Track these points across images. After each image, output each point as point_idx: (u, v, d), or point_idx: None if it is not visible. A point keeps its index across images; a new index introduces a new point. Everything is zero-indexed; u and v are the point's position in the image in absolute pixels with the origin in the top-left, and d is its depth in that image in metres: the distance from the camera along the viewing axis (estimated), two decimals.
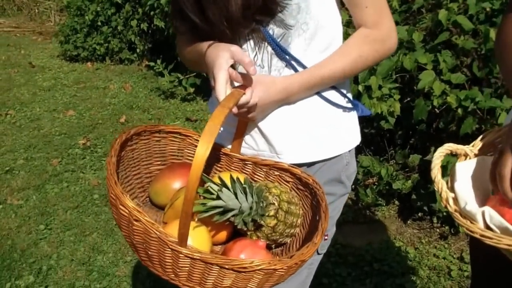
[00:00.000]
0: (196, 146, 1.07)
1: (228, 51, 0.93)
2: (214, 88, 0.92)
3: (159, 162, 1.13)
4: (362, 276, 2.30)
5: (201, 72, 4.03)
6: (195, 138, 1.12)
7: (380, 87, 2.35)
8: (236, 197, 0.87)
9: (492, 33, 2.21)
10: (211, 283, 0.81)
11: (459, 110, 2.27)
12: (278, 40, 1.01)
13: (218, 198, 0.86)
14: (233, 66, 0.97)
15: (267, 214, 0.91)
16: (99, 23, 5.52)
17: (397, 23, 2.62)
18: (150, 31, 5.22)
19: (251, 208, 0.88)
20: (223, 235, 0.97)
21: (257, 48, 1.03)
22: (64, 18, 6.99)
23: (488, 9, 2.38)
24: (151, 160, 1.12)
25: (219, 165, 1.11)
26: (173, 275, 0.84)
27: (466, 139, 2.34)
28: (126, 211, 0.82)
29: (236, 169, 1.10)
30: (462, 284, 2.22)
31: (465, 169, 0.81)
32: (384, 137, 2.79)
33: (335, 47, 1.07)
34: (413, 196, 2.56)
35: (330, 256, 2.40)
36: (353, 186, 2.80)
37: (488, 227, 0.72)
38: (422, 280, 2.25)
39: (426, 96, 2.38)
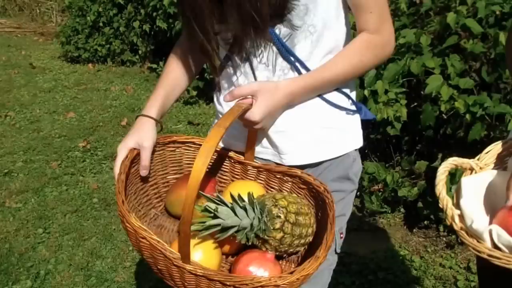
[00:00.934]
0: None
1: (141, 140, 1.03)
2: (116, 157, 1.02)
3: (175, 171, 1.15)
4: (366, 285, 2.25)
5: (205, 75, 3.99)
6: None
7: (386, 92, 2.31)
8: (236, 214, 0.88)
9: (502, 37, 2.17)
10: None
11: (467, 116, 2.23)
12: (284, 40, 1.02)
13: (216, 216, 0.88)
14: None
15: (272, 227, 0.91)
16: (101, 24, 5.48)
17: (404, 26, 2.57)
18: (152, 33, 5.19)
19: (252, 224, 0.89)
20: (234, 246, 0.99)
21: (262, 46, 1.03)
22: (65, 18, 6.96)
23: (498, 12, 2.34)
24: (167, 170, 1.14)
25: (235, 173, 1.13)
26: None
27: (475, 146, 2.30)
28: (132, 229, 0.86)
29: (251, 177, 1.11)
30: None
31: (471, 184, 0.80)
32: (390, 143, 2.74)
33: (338, 50, 1.07)
34: (419, 204, 2.51)
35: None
36: (358, 193, 2.75)
37: (496, 246, 0.70)
38: None
39: (434, 101, 2.34)
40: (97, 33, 5.59)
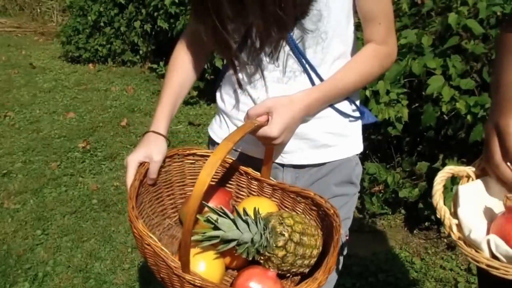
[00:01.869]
0: (227, 170, 1.15)
1: (150, 154, 1.04)
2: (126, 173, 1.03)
3: (193, 183, 1.15)
4: (367, 287, 2.23)
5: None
6: (229, 162, 1.14)
7: (388, 92, 2.30)
8: (237, 227, 0.88)
9: None
10: None
11: (469, 117, 2.21)
12: (297, 42, 1.02)
13: (217, 228, 0.88)
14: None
15: (275, 245, 0.91)
16: (102, 24, 5.47)
17: (406, 27, 2.56)
18: (153, 33, 5.17)
19: (253, 238, 0.89)
20: (239, 261, 0.98)
21: (273, 46, 1.03)
22: (66, 18, 6.96)
23: (499, 13, 2.33)
24: (185, 181, 1.16)
25: (252, 190, 1.14)
26: None
27: (476, 147, 2.27)
28: (138, 235, 0.88)
29: (267, 195, 1.11)
30: None
31: (468, 193, 0.80)
32: (391, 143, 2.72)
33: (346, 58, 1.09)
34: (420, 205, 2.49)
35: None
36: (358, 194, 2.74)
37: (494, 256, 0.70)
38: None
39: (435, 102, 2.32)
40: (98, 33, 5.58)
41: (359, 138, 1.18)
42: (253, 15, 0.96)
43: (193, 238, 0.84)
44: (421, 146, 2.68)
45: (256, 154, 1.14)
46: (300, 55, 1.03)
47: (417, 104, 2.47)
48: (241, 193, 1.15)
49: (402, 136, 2.64)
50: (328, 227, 0.99)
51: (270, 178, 1.10)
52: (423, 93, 2.36)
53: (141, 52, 5.43)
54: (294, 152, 1.11)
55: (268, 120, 0.99)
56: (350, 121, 1.14)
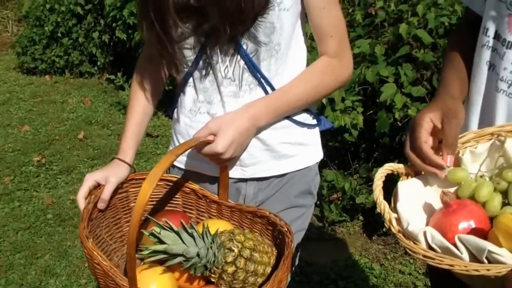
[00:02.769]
0: (186, 195, 1.15)
1: (108, 175, 1.07)
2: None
3: (151, 208, 1.16)
4: None
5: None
6: (189, 187, 1.15)
7: (343, 100, 2.35)
8: (182, 241, 0.88)
9: None
10: None
11: None
12: (251, 56, 1.04)
13: (162, 242, 0.87)
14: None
15: (224, 260, 0.92)
16: (59, 35, 5.35)
17: (360, 37, 2.63)
18: (111, 44, 5.10)
19: (199, 253, 0.88)
20: (193, 280, 0.97)
21: (228, 61, 1.05)
22: (22, 28, 6.77)
23: (446, 24, 2.44)
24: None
25: (211, 213, 1.14)
26: None
27: None
28: (88, 254, 0.89)
29: (226, 217, 1.12)
30: None
31: (407, 188, 0.83)
32: (348, 150, 2.76)
33: (300, 70, 1.10)
34: (377, 211, 2.52)
35: (295, 275, 2.33)
36: (317, 202, 2.75)
37: (431, 247, 0.73)
38: None
39: (388, 109, 2.39)
40: (55, 44, 5.45)
41: (318, 146, 1.20)
42: (211, 14, 0.97)
43: (138, 253, 0.85)
44: (377, 153, 2.73)
45: (215, 173, 1.13)
46: (254, 68, 1.05)
47: (371, 111, 2.52)
48: (202, 217, 1.16)
49: (359, 143, 2.69)
50: (282, 244, 1.00)
51: (228, 200, 1.11)
52: (377, 100, 2.41)
53: (99, 63, 5.34)
54: (255, 165, 1.12)
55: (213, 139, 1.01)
56: (308, 129, 1.16)
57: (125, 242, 1.11)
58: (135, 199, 1.12)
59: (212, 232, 0.94)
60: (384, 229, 2.60)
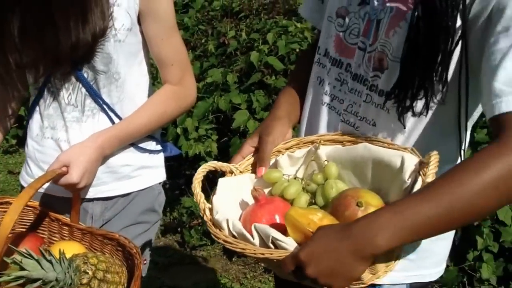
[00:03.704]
0: (38, 217, 1.17)
1: None
2: None
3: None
4: None
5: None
6: (42, 211, 1.16)
7: (197, 129, 2.41)
8: (42, 267, 0.92)
9: None
10: None
11: None
12: (91, 83, 1.09)
13: (23, 268, 0.91)
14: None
15: (80, 282, 0.96)
16: None
17: (213, 66, 2.71)
18: None
19: (57, 277, 0.93)
20: None
21: (71, 88, 1.10)
22: None
23: (297, 50, 2.59)
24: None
25: (63, 235, 1.17)
26: None
27: None
28: None
29: (77, 239, 1.15)
30: None
31: (225, 184, 0.91)
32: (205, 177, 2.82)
33: (143, 96, 1.17)
34: None
35: None
36: (178, 229, 2.76)
37: (233, 235, 0.80)
38: None
39: (242, 134, 2.50)
40: None
41: (161, 168, 1.27)
42: (33, 49, 1.03)
43: (1, 279, 0.89)
44: None
45: (65, 194, 1.16)
46: (95, 95, 1.10)
47: (226, 138, 2.63)
48: (54, 238, 1.19)
49: None
50: (131, 265, 1.07)
51: (80, 222, 1.15)
52: (231, 127, 2.52)
53: None
54: (99, 186, 1.17)
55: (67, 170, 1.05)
56: (151, 153, 1.22)
57: None
58: None
59: (67, 254, 0.99)
60: None
